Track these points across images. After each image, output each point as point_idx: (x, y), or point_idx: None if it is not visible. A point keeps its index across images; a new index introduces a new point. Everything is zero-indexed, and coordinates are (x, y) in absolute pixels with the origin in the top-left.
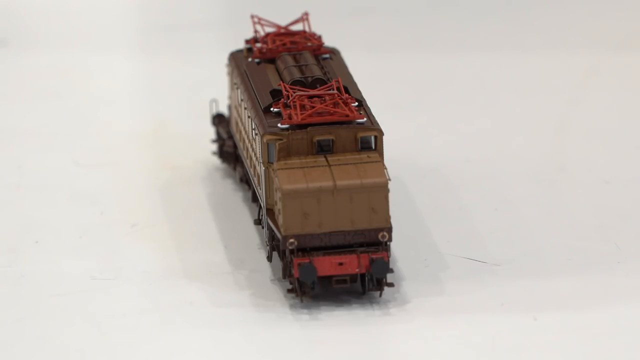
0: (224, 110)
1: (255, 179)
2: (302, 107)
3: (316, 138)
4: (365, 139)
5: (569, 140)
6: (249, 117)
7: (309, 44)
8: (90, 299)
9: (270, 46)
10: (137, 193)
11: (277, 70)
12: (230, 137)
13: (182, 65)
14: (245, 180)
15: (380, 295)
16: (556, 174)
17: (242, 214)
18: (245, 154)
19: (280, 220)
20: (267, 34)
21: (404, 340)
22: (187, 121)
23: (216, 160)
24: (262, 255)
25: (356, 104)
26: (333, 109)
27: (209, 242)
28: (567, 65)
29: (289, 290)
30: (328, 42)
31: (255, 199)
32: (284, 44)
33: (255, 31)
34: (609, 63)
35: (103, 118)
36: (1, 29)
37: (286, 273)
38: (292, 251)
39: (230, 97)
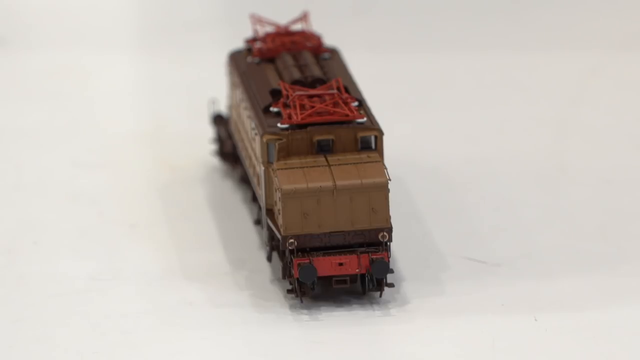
0: (223, 110)
1: (255, 179)
2: (302, 106)
3: (316, 138)
4: (365, 139)
5: (570, 140)
6: (248, 117)
7: (309, 43)
8: (89, 299)
9: (269, 46)
10: (136, 193)
11: (277, 69)
12: (230, 137)
13: (182, 65)
14: (244, 181)
15: (381, 295)
16: (557, 173)
17: (242, 214)
18: (244, 154)
19: (279, 221)
20: (267, 34)
21: (404, 341)
22: (187, 121)
23: (215, 161)
24: (262, 255)
25: (356, 103)
26: (333, 109)
27: (209, 243)
28: (567, 65)
29: (289, 291)
30: (328, 41)
31: (254, 199)
32: (284, 44)
33: (255, 31)
34: (609, 63)
35: (102, 118)
36: (1, 29)
37: (286, 273)
38: (291, 251)
39: (229, 97)
